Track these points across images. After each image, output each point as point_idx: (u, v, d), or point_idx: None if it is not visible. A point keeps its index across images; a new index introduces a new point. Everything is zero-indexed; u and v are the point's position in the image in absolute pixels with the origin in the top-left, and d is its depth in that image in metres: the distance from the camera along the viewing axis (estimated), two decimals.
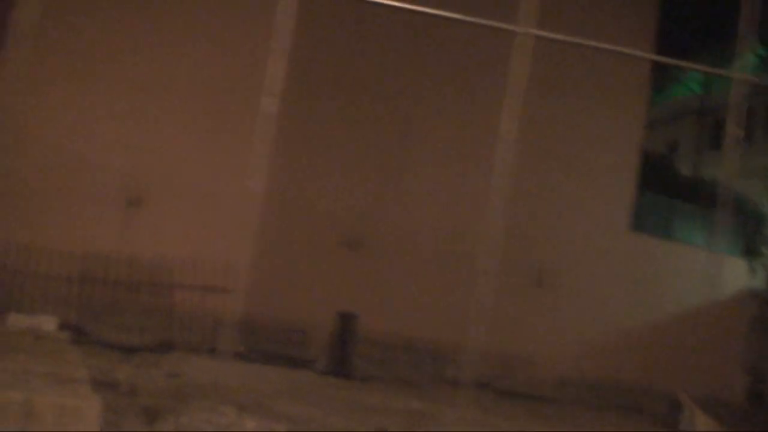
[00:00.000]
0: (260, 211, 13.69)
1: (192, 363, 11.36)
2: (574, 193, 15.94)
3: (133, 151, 13.17)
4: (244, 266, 13.53)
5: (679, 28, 19.54)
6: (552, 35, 9.51)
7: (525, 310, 15.02)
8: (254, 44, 13.89)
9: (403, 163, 15.03)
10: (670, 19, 17.63)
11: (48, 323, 10.11)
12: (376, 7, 11.66)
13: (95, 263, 12.90)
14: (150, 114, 13.46)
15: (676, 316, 16.71)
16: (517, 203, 14.84)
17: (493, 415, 11.24)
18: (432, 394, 12.42)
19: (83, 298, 12.86)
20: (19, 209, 12.91)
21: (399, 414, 10.36)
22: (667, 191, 19.02)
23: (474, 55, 14.93)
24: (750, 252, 18.22)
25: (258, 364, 12.50)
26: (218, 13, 13.90)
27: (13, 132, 13.00)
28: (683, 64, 13.96)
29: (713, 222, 18.77)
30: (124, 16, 13.55)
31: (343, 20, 14.31)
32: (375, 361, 13.62)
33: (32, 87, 13.14)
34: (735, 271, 17.37)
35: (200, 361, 11.55)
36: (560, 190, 15.80)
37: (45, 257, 12.80)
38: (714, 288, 16.92)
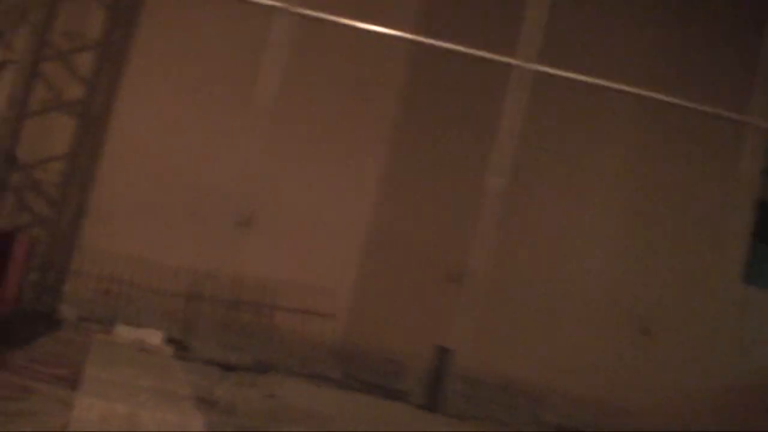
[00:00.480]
0: (365, 239, 13.86)
1: (289, 386, 11.45)
2: (685, 242, 15.53)
3: (246, 172, 13.43)
4: (346, 292, 13.67)
5: None
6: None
7: (628, 358, 14.66)
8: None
9: (513, 205, 14.89)
10: None
11: (153, 337, 10.39)
12: None
13: (202, 280, 13.19)
14: (267, 137, 13.70)
15: None
16: (625, 249, 14.64)
17: None
18: None
19: (188, 314, 13.15)
20: (133, 223, 13.32)
21: None
22: None
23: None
24: None
25: (353, 393, 12.52)
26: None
27: (130, 147, 13.48)
28: None
29: None
30: (252, 37, 13.81)
31: None
32: (470, 398, 13.48)
33: (152, 104, 13.60)
34: None
35: (297, 385, 11.64)
36: (670, 238, 15.42)
37: (154, 272, 13.17)
38: None
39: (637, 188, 14.95)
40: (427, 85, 14.24)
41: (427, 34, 14.00)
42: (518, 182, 14.72)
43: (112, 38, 13.69)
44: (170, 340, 11.71)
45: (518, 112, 14.07)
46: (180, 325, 13.01)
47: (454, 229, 14.60)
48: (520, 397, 13.97)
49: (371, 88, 14.07)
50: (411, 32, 14.03)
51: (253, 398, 10.44)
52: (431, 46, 13.97)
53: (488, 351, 13.83)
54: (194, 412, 6.12)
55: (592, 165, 14.97)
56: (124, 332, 10.40)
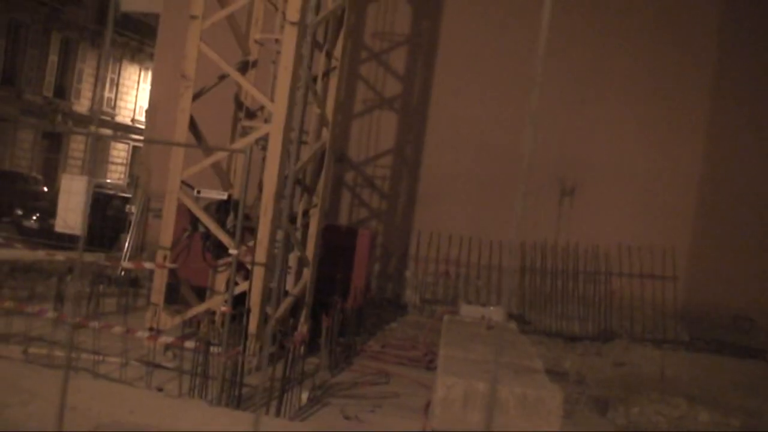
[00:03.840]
0: (697, 197, 13.22)
1: (635, 352, 11.23)
2: None
3: (566, 143, 13.33)
4: (684, 253, 13.13)
5: None
6: None
7: None
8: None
9: None
10: None
11: (496, 313, 10.60)
12: None
13: (533, 253, 13.29)
14: (582, 108, 13.52)
15: None
16: None
17: None
18: None
19: (523, 288, 13.32)
20: (459, 204, 13.71)
21: None
22: None
23: None
24: None
25: (704, 354, 12.00)
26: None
27: (449, 133, 13.87)
28: None
29: None
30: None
31: None
32: None
33: (463, 89, 13.89)
34: None
35: (643, 350, 11.37)
36: None
37: (485, 249, 13.47)
38: None
39: None
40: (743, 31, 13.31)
41: None
42: None
43: (419, 31, 14.16)
44: (510, 315, 11.92)
45: None
46: (517, 299, 13.23)
47: None
48: None
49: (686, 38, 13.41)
50: None
51: (601, 367, 10.39)
52: None
53: None
54: (552, 385, 6.17)
55: None
56: (468, 311, 10.71)
